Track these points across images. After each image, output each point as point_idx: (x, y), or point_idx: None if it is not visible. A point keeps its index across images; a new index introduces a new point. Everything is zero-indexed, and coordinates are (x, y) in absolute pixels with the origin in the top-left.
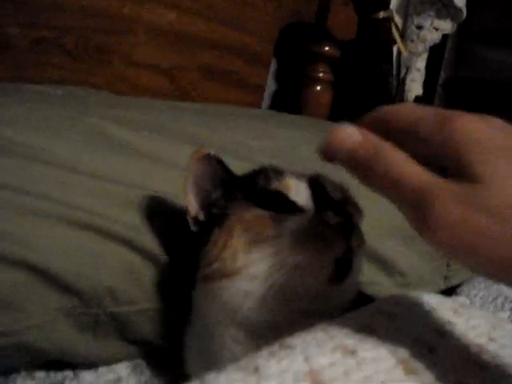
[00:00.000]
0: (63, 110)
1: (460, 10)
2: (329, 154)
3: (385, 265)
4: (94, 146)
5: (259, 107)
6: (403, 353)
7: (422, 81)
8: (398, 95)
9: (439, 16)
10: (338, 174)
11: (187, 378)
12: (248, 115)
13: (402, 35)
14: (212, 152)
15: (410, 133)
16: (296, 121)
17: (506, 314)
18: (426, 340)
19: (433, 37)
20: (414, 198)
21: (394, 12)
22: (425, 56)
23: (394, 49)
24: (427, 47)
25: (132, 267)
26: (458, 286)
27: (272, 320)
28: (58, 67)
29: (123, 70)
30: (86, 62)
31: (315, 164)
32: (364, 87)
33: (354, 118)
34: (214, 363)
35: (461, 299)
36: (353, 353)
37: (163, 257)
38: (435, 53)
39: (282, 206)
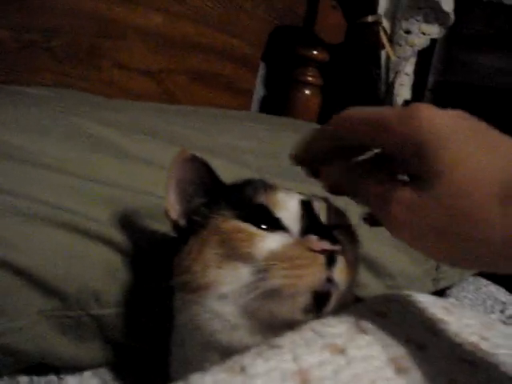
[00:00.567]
0: (49, 111)
1: (448, 14)
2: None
3: (374, 267)
4: (81, 147)
5: (248, 111)
6: (395, 351)
7: (411, 85)
8: (387, 99)
9: (427, 20)
10: None
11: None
12: (236, 117)
13: (391, 40)
14: (198, 154)
15: (380, 127)
16: (284, 123)
17: (495, 316)
18: (418, 338)
19: (421, 41)
20: (378, 204)
21: (382, 16)
22: (413, 60)
23: (383, 53)
24: (415, 52)
25: (116, 269)
26: (448, 288)
27: (244, 344)
28: (48, 71)
29: (112, 74)
30: (75, 65)
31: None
32: (353, 91)
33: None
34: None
35: (450, 301)
36: (342, 351)
37: (151, 258)
38: (423, 57)
39: (264, 221)
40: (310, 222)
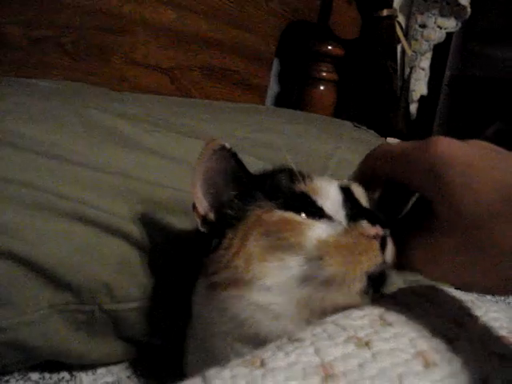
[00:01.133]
0: (61, 102)
1: (464, 7)
2: None
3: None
4: (93, 138)
5: (262, 105)
6: (422, 344)
7: (427, 80)
8: (403, 95)
9: (443, 14)
10: None
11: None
12: (250, 110)
13: (406, 34)
14: (227, 145)
15: (401, 162)
16: (298, 116)
17: None
18: (446, 331)
19: (437, 35)
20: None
21: (398, 11)
22: (429, 55)
23: (398, 48)
24: (431, 46)
25: (129, 262)
26: None
27: (286, 333)
28: (58, 66)
29: (123, 70)
30: (85, 61)
31: (317, 158)
32: (368, 87)
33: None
34: None
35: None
36: (367, 344)
37: (163, 252)
38: (440, 52)
39: (306, 210)
40: (354, 208)
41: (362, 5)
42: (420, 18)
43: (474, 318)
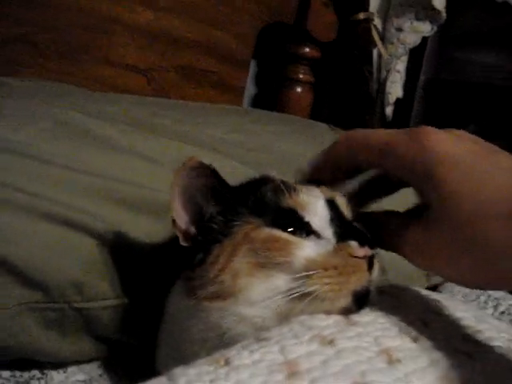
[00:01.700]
0: (34, 102)
1: (439, 12)
2: None
3: None
4: (67, 137)
5: (237, 106)
6: (387, 342)
7: (403, 83)
8: (379, 97)
9: (418, 18)
10: None
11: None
12: (226, 111)
13: (382, 37)
14: (206, 162)
15: (387, 152)
16: (274, 117)
17: (489, 312)
18: (411, 330)
19: (412, 39)
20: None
21: (375, 14)
22: (405, 58)
23: (375, 51)
24: (407, 49)
25: (99, 261)
26: (441, 283)
27: None
28: (31, 66)
29: (99, 70)
30: (60, 61)
31: (291, 159)
32: (345, 89)
33: (334, 120)
34: None
35: (444, 295)
36: (331, 342)
37: (133, 251)
38: (415, 55)
39: (295, 226)
40: (342, 226)
41: (339, 8)
42: (396, 22)
43: (440, 317)
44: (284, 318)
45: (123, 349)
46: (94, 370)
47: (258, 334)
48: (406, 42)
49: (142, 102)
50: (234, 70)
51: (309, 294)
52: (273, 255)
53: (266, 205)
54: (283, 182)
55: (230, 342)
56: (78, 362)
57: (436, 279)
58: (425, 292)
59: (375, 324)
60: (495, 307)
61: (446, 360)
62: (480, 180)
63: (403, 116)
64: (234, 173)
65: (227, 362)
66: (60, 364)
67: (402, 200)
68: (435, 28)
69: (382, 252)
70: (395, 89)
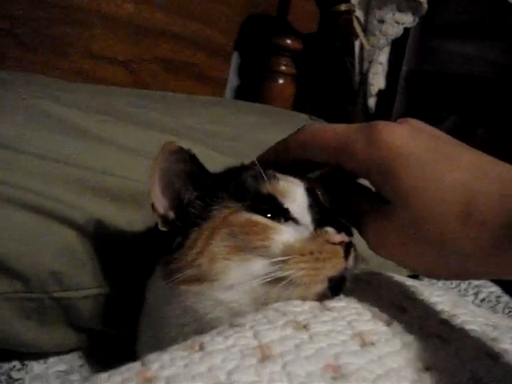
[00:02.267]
0: (10, 93)
1: (421, 3)
2: None
3: None
4: (42, 127)
5: (216, 97)
6: (360, 326)
7: (385, 74)
8: (361, 89)
9: (400, 9)
10: None
11: None
12: (206, 102)
13: (364, 29)
14: (185, 147)
15: (342, 151)
16: (254, 108)
17: (469, 299)
18: (385, 314)
19: (394, 30)
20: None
21: (356, 6)
22: (387, 50)
23: (356, 42)
24: (389, 41)
25: (78, 250)
26: None
27: None
28: (13, 58)
29: (80, 62)
30: (41, 53)
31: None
32: (327, 81)
33: (316, 112)
34: None
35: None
36: (305, 327)
37: (113, 241)
38: (397, 46)
39: (273, 212)
40: (320, 213)
41: None
42: (378, 13)
43: (415, 302)
44: (260, 303)
45: (104, 339)
46: (74, 360)
47: (232, 320)
48: (388, 33)
49: (121, 92)
50: (216, 62)
51: (284, 278)
52: (251, 239)
53: (246, 190)
54: (265, 170)
55: (206, 327)
56: (58, 353)
57: None
58: (400, 278)
59: (349, 309)
60: (476, 294)
61: (419, 343)
62: (436, 177)
63: (386, 107)
64: (213, 163)
65: (201, 348)
66: (40, 355)
67: None
68: (417, 19)
69: (358, 238)
70: (377, 80)
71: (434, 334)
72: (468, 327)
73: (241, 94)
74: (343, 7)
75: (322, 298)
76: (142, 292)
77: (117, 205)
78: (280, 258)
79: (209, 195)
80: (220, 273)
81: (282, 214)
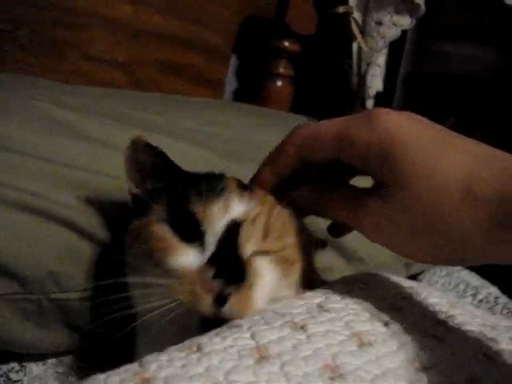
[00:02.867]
0: (8, 94)
1: (419, 5)
2: None
3: (345, 251)
4: (41, 129)
5: (215, 99)
6: (358, 326)
7: (383, 77)
8: (359, 91)
9: (398, 12)
10: None
11: None
12: (205, 104)
13: (362, 31)
14: (153, 143)
15: (341, 141)
16: (252, 110)
17: (467, 300)
18: (382, 315)
19: (392, 32)
20: (348, 214)
21: (354, 8)
22: (385, 52)
23: (354, 44)
24: (387, 43)
25: (75, 252)
26: (420, 273)
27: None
28: (12, 61)
29: (79, 65)
30: (40, 55)
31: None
32: (325, 83)
33: (314, 113)
34: None
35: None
36: (303, 327)
37: (108, 242)
38: (395, 48)
39: (190, 231)
40: (224, 249)
41: (318, 1)
42: (376, 16)
43: (412, 303)
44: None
45: (103, 340)
46: (73, 362)
47: (230, 322)
48: (386, 35)
49: (117, 94)
50: (215, 64)
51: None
52: (156, 253)
53: (180, 202)
54: (210, 189)
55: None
56: (57, 354)
57: (415, 269)
58: (397, 279)
59: (347, 310)
60: (474, 295)
61: (417, 343)
62: (435, 159)
63: None
64: (212, 164)
65: (199, 348)
66: (39, 356)
67: None
68: (414, 21)
69: (362, 241)
70: (375, 82)
71: (431, 334)
72: (465, 328)
73: (239, 96)
74: (341, 9)
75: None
76: None
77: (114, 206)
78: (173, 276)
79: (157, 192)
80: (138, 273)
81: (195, 236)
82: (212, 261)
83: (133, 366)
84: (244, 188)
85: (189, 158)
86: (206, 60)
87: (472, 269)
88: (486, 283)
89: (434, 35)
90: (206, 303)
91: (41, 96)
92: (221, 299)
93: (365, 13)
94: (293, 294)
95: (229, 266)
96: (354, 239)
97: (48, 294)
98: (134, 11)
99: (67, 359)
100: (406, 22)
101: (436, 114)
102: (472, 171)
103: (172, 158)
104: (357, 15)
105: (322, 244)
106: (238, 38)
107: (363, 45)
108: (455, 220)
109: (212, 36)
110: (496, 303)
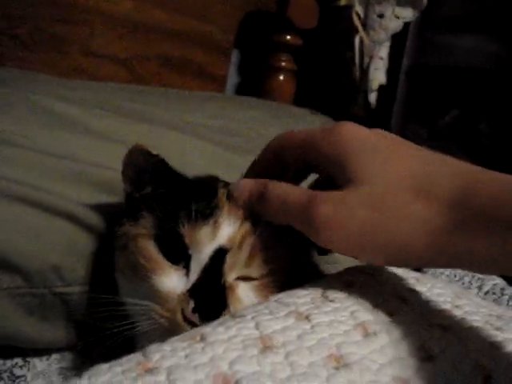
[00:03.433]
0: (9, 89)
1: None
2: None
3: None
4: (42, 123)
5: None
6: (362, 317)
7: (386, 69)
8: (362, 84)
9: (400, 4)
10: None
11: None
12: (207, 98)
13: (364, 24)
14: (154, 151)
15: (306, 147)
16: (254, 103)
17: (473, 292)
18: (387, 305)
19: (394, 25)
20: (301, 212)
21: (356, 1)
22: (387, 44)
23: (356, 37)
24: (389, 35)
25: (78, 245)
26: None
27: None
28: (13, 58)
29: (80, 61)
30: (41, 52)
31: None
32: (327, 76)
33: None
34: None
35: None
36: (307, 317)
37: (111, 235)
38: (397, 41)
39: (176, 252)
40: (207, 279)
41: None
42: (378, 8)
43: (417, 294)
44: None
45: (106, 335)
46: (77, 357)
47: (234, 311)
48: (388, 28)
49: (118, 88)
50: (216, 59)
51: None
52: (142, 272)
53: (171, 221)
54: (200, 208)
55: None
56: (61, 350)
57: None
58: (401, 270)
59: (351, 300)
60: (479, 287)
61: (422, 333)
62: (402, 170)
63: (387, 102)
64: (215, 158)
65: (202, 338)
66: (43, 351)
67: None
68: (417, 13)
69: None
70: (378, 75)
71: (436, 323)
72: (471, 317)
73: (241, 90)
74: (343, 2)
75: None
76: None
77: (116, 199)
78: (150, 304)
79: (153, 200)
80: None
81: (181, 259)
82: (194, 291)
83: (136, 356)
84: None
85: (191, 150)
86: (208, 55)
87: None
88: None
89: (436, 27)
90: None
91: (41, 90)
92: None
93: (367, 5)
94: None
95: (210, 298)
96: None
97: (51, 287)
98: (135, 6)
99: (71, 354)
100: (408, 14)
101: (439, 107)
102: (428, 173)
103: (175, 154)
104: (359, 8)
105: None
106: (239, 32)
107: (365, 38)
108: (407, 210)
109: (213, 30)
110: (502, 294)
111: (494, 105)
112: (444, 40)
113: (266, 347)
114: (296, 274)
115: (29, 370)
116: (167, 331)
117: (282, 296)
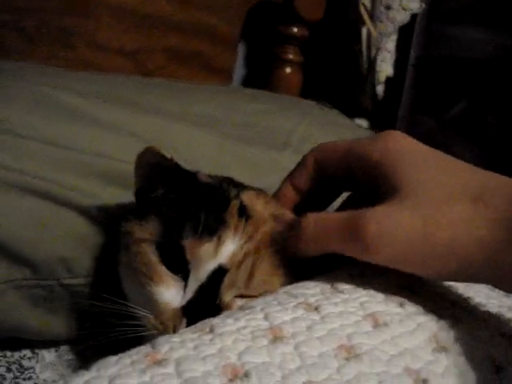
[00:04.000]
0: (15, 80)
1: None
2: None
3: None
4: (48, 114)
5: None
6: (373, 307)
7: (393, 61)
8: (369, 76)
9: None
10: None
11: None
12: (214, 90)
13: (371, 16)
14: (167, 154)
15: (352, 156)
16: (261, 95)
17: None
18: (397, 296)
19: (401, 17)
20: (346, 234)
21: None
22: (394, 37)
23: (364, 29)
24: (396, 27)
25: (86, 237)
26: None
27: None
28: (19, 51)
29: (86, 54)
30: (47, 45)
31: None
32: (334, 69)
33: (324, 100)
34: None
35: None
36: (317, 308)
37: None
38: (405, 33)
39: (176, 264)
40: (203, 298)
41: None
42: (385, 0)
43: (427, 285)
44: None
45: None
46: (85, 349)
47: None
48: (395, 19)
49: (125, 80)
50: (223, 51)
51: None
52: (143, 280)
53: (176, 230)
54: (207, 223)
55: None
56: (69, 342)
57: None
58: None
59: (361, 291)
60: None
61: (433, 323)
62: (439, 170)
63: (394, 94)
64: (222, 150)
65: (211, 330)
66: (51, 343)
67: None
68: (424, 5)
69: None
70: (385, 67)
71: (447, 314)
72: (482, 309)
73: (248, 83)
74: None
75: None
76: None
77: (123, 190)
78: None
79: (163, 203)
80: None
81: (181, 271)
82: (187, 310)
83: (144, 348)
84: (243, 211)
85: (198, 142)
86: (214, 47)
87: None
88: None
89: (444, 18)
90: None
91: (47, 82)
92: None
93: None
94: None
95: (203, 318)
96: None
97: (60, 279)
98: None
99: (80, 347)
100: (415, 5)
101: (447, 98)
102: (479, 179)
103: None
104: (366, 0)
105: None
106: (245, 24)
107: (372, 30)
108: (463, 220)
109: (220, 23)
110: None
111: (502, 96)
112: (452, 32)
113: (276, 338)
114: None
115: (37, 361)
116: None
117: (291, 288)
